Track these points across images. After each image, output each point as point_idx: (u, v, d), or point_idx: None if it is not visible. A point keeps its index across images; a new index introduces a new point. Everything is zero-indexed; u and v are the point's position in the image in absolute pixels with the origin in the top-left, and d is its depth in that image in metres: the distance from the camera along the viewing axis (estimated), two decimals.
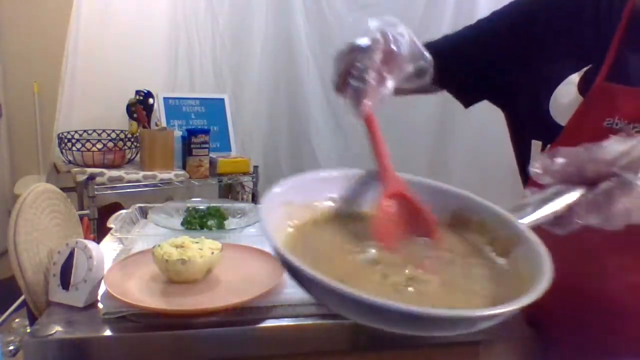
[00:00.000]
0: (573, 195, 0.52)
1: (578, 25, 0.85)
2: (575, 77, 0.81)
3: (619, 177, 0.51)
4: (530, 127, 0.87)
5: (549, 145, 0.83)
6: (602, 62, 0.79)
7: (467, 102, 1.01)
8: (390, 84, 0.65)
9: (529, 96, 0.87)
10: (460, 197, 0.61)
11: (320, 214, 0.59)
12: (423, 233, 0.57)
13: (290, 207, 0.56)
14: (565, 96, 0.81)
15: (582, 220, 0.52)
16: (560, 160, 0.54)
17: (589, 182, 0.53)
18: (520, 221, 0.53)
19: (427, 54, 0.68)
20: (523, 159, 0.92)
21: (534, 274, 0.47)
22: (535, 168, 0.56)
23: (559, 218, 0.53)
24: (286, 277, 0.82)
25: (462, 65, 0.96)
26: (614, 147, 0.52)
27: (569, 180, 0.54)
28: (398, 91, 0.68)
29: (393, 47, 0.65)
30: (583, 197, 0.52)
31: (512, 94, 0.91)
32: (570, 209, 0.52)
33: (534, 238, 0.51)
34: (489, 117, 1.11)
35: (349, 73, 0.64)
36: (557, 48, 0.85)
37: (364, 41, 0.65)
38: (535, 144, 0.85)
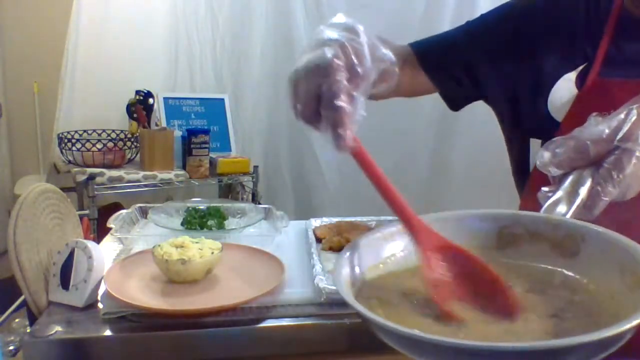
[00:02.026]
0: (587, 178, 0.55)
1: (572, 24, 0.85)
2: (572, 75, 0.82)
3: (621, 148, 0.54)
4: (529, 125, 0.87)
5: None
6: (593, 59, 0.80)
7: (456, 104, 1.01)
8: (361, 103, 0.57)
9: (526, 95, 0.87)
10: (499, 217, 0.59)
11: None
12: (488, 291, 0.52)
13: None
14: (563, 94, 0.82)
15: (605, 195, 0.54)
16: (561, 149, 0.56)
17: (593, 163, 0.55)
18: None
19: (390, 55, 0.60)
20: (520, 158, 0.92)
21: (625, 263, 0.47)
22: (543, 160, 0.57)
23: (585, 206, 0.55)
24: (286, 277, 0.82)
25: (452, 67, 0.96)
26: (603, 125, 0.56)
27: (576, 166, 0.56)
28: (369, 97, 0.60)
29: (356, 62, 0.57)
30: (597, 175, 0.54)
31: (506, 95, 0.91)
32: (590, 192, 0.54)
33: (598, 228, 0.52)
34: (489, 117, 1.11)
35: (317, 101, 0.56)
36: (553, 47, 0.86)
37: (323, 59, 0.56)
38: (535, 143, 0.86)
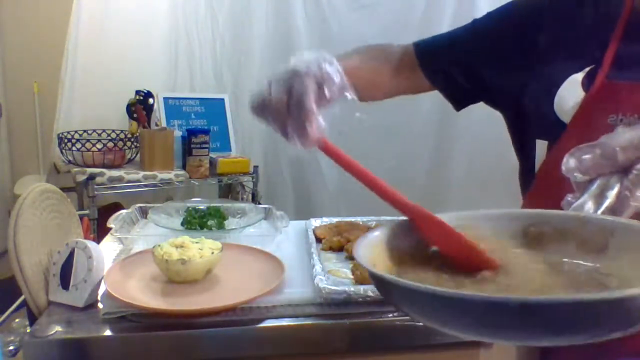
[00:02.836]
0: (615, 184, 0.55)
1: (580, 24, 0.85)
2: (579, 76, 0.81)
3: None
4: (535, 127, 0.87)
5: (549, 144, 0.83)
6: (601, 61, 0.80)
7: (460, 104, 1.01)
8: (321, 118, 0.62)
9: (532, 96, 0.87)
10: (523, 215, 0.60)
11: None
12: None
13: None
14: (570, 95, 0.81)
15: (634, 200, 0.54)
16: (588, 155, 0.56)
17: (621, 170, 0.56)
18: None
19: (352, 95, 0.67)
20: (526, 159, 0.92)
21: None
22: (569, 166, 0.57)
23: (612, 209, 0.55)
24: (286, 277, 0.82)
25: (457, 67, 0.95)
26: (633, 132, 0.56)
27: (604, 172, 0.56)
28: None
29: (325, 85, 0.63)
30: (626, 180, 0.54)
31: (512, 95, 0.90)
32: (619, 196, 0.55)
33: (627, 221, 0.52)
34: (488, 118, 1.11)
35: (287, 98, 0.61)
36: (559, 47, 0.86)
37: (298, 68, 0.63)
38: (540, 144, 0.85)
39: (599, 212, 0.55)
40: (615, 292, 0.39)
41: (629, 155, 0.55)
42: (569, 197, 0.58)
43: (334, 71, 0.65)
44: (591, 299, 0.39)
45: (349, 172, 0.61)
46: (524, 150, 0.91)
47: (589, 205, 0.55)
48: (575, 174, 0.57)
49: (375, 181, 0.60)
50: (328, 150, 0.62)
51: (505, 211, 0.61)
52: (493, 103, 0.98)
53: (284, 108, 0.62)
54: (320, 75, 0.63)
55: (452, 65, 0.95)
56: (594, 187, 0.56)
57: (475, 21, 0.98)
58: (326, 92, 0.63)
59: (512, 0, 0.94)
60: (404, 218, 0.59)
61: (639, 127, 0.57)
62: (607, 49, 0.80)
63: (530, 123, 0.88)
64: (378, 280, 0.48)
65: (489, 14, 0.97)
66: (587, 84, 0.80)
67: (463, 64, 0.94)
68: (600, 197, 0.55)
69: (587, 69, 0.81)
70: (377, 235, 0.57)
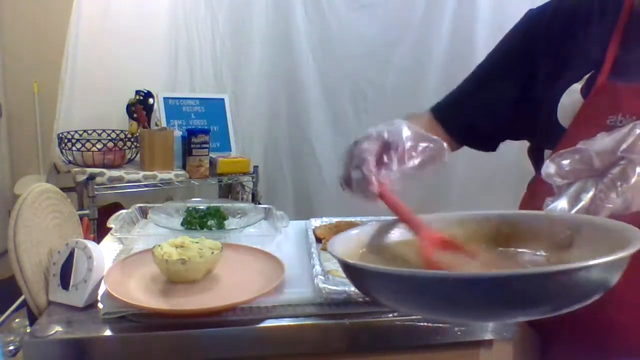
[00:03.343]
0: (591, 187, 0.57)
1: (579, 36, 0.86)
2: (578, 86, 0.83)
3: (626, 159, 0.56)
4: (544, 138, 0.88)
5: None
6: (600, 65, 0.80)
7: (491, 148, 1.03)
8: (394, 166, 0.67)
9: (540, 114, 0.88)
10: (497, 216, 0.62)
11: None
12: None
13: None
14: (571, 102, 0.83)
15: (608, 202, 0.56)
16: (567, 160, 0.59)
17: (598, 174, 0.58)
18: None
19: (434, 137, 0.70)
20: (535, 167, 0.93)
21: (615, 244, 0.48)
22: (548, 171, 0.60)
23: (587, 210, 0.57)
24: (286, 277, 0.82)
25: (476, 117, 0.97)
26: (608, 138, 0.58)
27: (580, 177, 0.59)
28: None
29: (387, 136, 0.68)
30: (601, 184, 0.57)
31: (526, 120, 0.92)
32: (593, 199, 0.57)
33: (590, 217, 0.54)
34: None
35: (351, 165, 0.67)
36: (561, 61, 0.87)
37: (362, 138, 0.69)
38: (549, 154, 0.87)
39: (573, 211, 0.57)
40: (542, 268, 0.44)
41: (605, 161, 0.57)
42: (548, 200, 0.60)
43: (400, 129, 0.70)
44: (518, 273, 0.44)
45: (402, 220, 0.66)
46: (537, 160, 0.93)
47: (563, 206, 0.58)
48: (555, 179, 0.60)
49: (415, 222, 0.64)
50: (385, 200, 0.66)
51: (479, 212, 0.64)
52: (516, 135, 0.99)
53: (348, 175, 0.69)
54: (385, 133, 0.69)
55: (472, 117, 0.98)
56: (571, 190, 0.58)
57: (478, 67, 1.00)
58: (392, 155, 0.68)
59: (506, 34, 0.97)
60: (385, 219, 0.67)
61: (616, 132, 0.58)
62: (607, 52, 0.80)
63: (538, 135, 0.90)
64: (349, 269, 0.52)
65: (489, 55, 0.99)
66: (585, 90, 0.81)
67: (481, 113, 0.96)
68: (575, 199, 0.57)
69: (586, 76, 0.82)
70: (355, 234, 0.63)
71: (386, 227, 0.66)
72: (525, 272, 0.45)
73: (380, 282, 0.48)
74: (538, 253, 0.57)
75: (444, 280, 0.43)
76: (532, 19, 0.93)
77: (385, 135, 0.68)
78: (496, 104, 0.94)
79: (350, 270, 0.52)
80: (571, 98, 0.82)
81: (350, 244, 0.61)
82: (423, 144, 0.69)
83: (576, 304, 0.45)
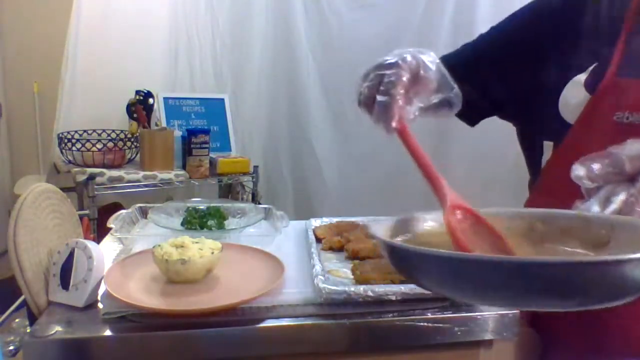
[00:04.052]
0: (621, 191, 0.57)
1: (586, 26, 0.85)
2: (582, 77, 0.82)
3: None
4: (542, 129, 0.88)
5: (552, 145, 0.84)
6: (609, 59, 0.80)
7: (473, 121, 1.02)
8: (415, 106, 0.66)
9: (540, 100, 0.88)
10: (529, 214, 0.62)
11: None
12: (497, 246, 0.57)
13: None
14: (574, 96, 0.82)
15: (639, 206, 0.56)
16: (597, 165, 0.59)
17: (629, 179, 0.58)
18: None
19: (455, 86, 0.70)
20: (534, 160, 0.93)
21: None
22: (577, 173, 0.59)
23: (618, 214, 0.57)
24: (286, 277, 0.82)
25: (467, 85, 0.96)
26: (638, 144, 0.58)
27: (611, 180, 0.58)
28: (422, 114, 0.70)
29: (421, 70, 0.67)
30: (632, 188, 0.57)
31: (522, 104, 0.91)
32: (625, 202, 0.57)
33: (629, 217, 0.54)
34: (489, 117, 1.11)
35: (377, 88, 0.65)
36: (562, 50, 0.86)
37: (392, 59, 0.67)
38: (547, 145, 0.86)
39: (605, 212, 0.56)
40: (601, 257, 0.44)
41: (636, 166, 0.57)
42: (578, 203, 0.60)
43: (431, 60, 0.68)
44: (576, 260, 0.43)
45: (416, 163, 0.65)
46: (532, 152, 0.91)
47: (595, 208, 0.57)
48: (584, 181, 0.59)
49: (430, 170, 0.64)
50: (403, 138, 0.65)
51: (513, 209, 0.63)
52: (505, 115, 0.98)
53: (373, 97, 0.66)
54: (415, 64, 0.66)
55: (468, 87, 0.97)
56: (601, 193, 0.58)
57: (480, 36, 0.99)
58: (422, 73, 0.66)
59: (515, 11, 0.95)
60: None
61: None
62: (615, 47, 0.80)
63: (538, 126, 0.89)
64: (393, 251, 0.52)
65: (493, 27, 0.98)
66: (590, 83, 0.80)
67: (475, 81, 0.94)
68: (606, 202, 0.57)
69: (590, 68, 0.82)
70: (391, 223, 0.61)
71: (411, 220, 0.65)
72: (592, 260, 0.44)
73: (427, 265, 0.48)
74: (577, 250, 0.57)
75: (498, 265, 0.42)
76: (542, 3, 0.92)
77: (419, 69, 0.66)
78: (495, 81, 0.93)
79: (396, 254, 0.52)
80: (575, 92, 0.82)
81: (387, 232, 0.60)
82: (442, 89, 0.68)
83: (622, 298, 0.45)
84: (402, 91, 0.64)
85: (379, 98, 0.64)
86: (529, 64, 0.89)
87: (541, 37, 0.89)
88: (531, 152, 0.93)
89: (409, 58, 0.67)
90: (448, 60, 1.00)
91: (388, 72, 0.65)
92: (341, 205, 2.65)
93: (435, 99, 0.69)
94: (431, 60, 0.68)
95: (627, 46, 0.80)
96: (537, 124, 0.89)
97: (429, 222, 0.63)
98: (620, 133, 0.78)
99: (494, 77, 0.93)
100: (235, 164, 2.28)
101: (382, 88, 0.65)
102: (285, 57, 2.63)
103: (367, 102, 0.67)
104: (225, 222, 1.10)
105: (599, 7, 0.84)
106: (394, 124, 0.63)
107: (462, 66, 0.97)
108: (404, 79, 0.65)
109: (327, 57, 2.64)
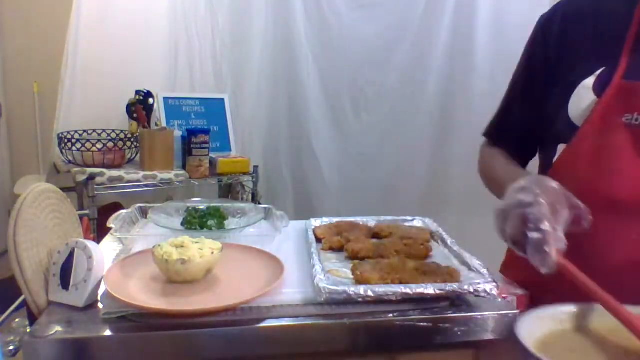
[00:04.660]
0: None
1: (592, 33, 0.86)
2: (590, 81, 0.83)
3: None
4: (555, 133, 0.90)
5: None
6: (617, 63, 0.81)
7: (527, 161, 1.05)
8: (561, 234, 0.68)
9: (555, 107, 0.90)
10: None
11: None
12: None
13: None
14: (583, 99, 0.84)
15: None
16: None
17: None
18: None
19: (580, 204, 0.72)
20: (545, 161, 0.94)
21: None
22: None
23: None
24: (286, 277, 0.82)
25: (530, 130, 0.99)
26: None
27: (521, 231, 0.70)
28: None
29: (557, 204, 0.70)
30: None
31: (546, 119, 0.94)
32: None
33: None
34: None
35: (525, 226, 0.68)
36: (575, 58, 0.88)
37: (530, 196, 0.69)
38: (561, 148, 0.89)
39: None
40: None
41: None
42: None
43: (556, 188, 0.72)
44: None
45: (588, 295, 0.66)
46: (547, 154, 0.94)
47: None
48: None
49: (612, 304, 0.65)
50: (567, 272, 0.67)
51: None
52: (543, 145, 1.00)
53: (520, 235, 0.70)
54: (550, 201, 0.70)
55: (525, 131, 1.01)
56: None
57: (511, 85, 1.04)
58: (558, 207, 0.69)
59: (526, 45, 1.00)
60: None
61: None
62: (622, 51, 0.81)
63: (551, 130, 0.91)
64: None
65: (515, 72, 1.02)
66: (598, 86, 0.82)
67: (534, 122, 0.98)
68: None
69: (598, 72, 0.83)
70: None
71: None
72: None
73: None
74: None
75: None
76: (545, 24, 0.95)
77: (555, 204, 0.70)
78: (541, 112, 0.96)
79: None
80: (583, 95, 0.83)
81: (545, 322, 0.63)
82: (572, 208, 0.71)
83: None
84: (548, 224, 0.67)
85: (532, 235, 0.67)
86: (549, 82, 0.92)
87: (550, 52, 0.92)
88: (546, 152, 0.95)
89: (540, 193, 0.70)
90: (499, 131, 1.05)
91: (530, 209, 0.68)
92: (341, 205, 2.65)
93: (569, 219, 0.71)
94: (554, 187, 0.72)
95: (633, 50, 0.81)
96: (550, 127, 0.91)
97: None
98: (630, 134, 0.79)
99: (537, 113, 0.96)
100: (235, 164, 2.28)
101: (530, 225, 0.68)
102: (285, 57, 2.63)
103: (515, 240, 0.71)
104: (225, 222, 1.10)
105: (607, 12, 0.86)
106: (554, 258, 0.65)
107: (514, 116, 1.02)
108: (547, 212, 0.68)
109: (327, 57, 2.64)
